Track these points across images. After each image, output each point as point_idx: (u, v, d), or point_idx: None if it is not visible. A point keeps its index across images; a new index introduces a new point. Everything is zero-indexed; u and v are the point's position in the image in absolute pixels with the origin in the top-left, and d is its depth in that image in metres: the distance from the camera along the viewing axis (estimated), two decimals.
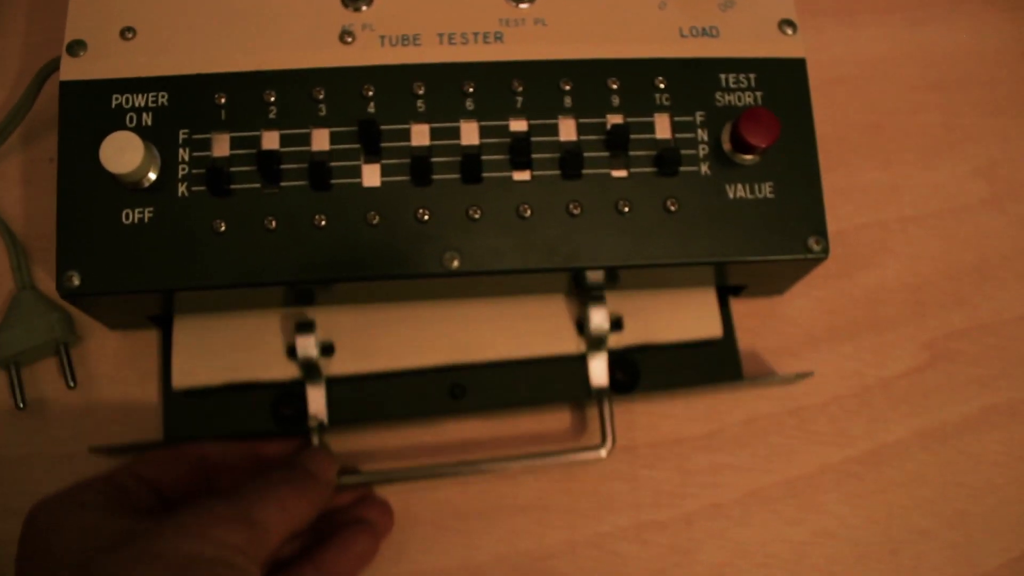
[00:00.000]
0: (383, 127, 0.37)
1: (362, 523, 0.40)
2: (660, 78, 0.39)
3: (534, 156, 0.38)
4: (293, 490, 0.36)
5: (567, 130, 0.38)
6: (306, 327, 0.40)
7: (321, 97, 0.38)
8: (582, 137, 0.38)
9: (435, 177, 0.37)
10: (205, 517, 0.32)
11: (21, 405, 0.42)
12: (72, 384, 0.42)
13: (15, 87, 0.46)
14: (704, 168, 0.38)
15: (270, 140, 0.37)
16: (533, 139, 0.38)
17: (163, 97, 0.38)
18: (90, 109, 0.37)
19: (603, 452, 0.41)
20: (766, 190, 0.38)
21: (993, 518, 0.43)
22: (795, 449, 0.43)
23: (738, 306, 0.44)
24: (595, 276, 0.39)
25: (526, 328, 0.42)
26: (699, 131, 0.39)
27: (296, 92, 0.38)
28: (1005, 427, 0.45)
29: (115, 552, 0.30)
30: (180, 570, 0.30)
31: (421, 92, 0.38)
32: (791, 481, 0.43)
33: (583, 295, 0.41)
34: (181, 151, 0.37)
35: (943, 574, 0.42)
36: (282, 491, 0.35)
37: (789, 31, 0.40)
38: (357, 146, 0.37)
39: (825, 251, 0.38)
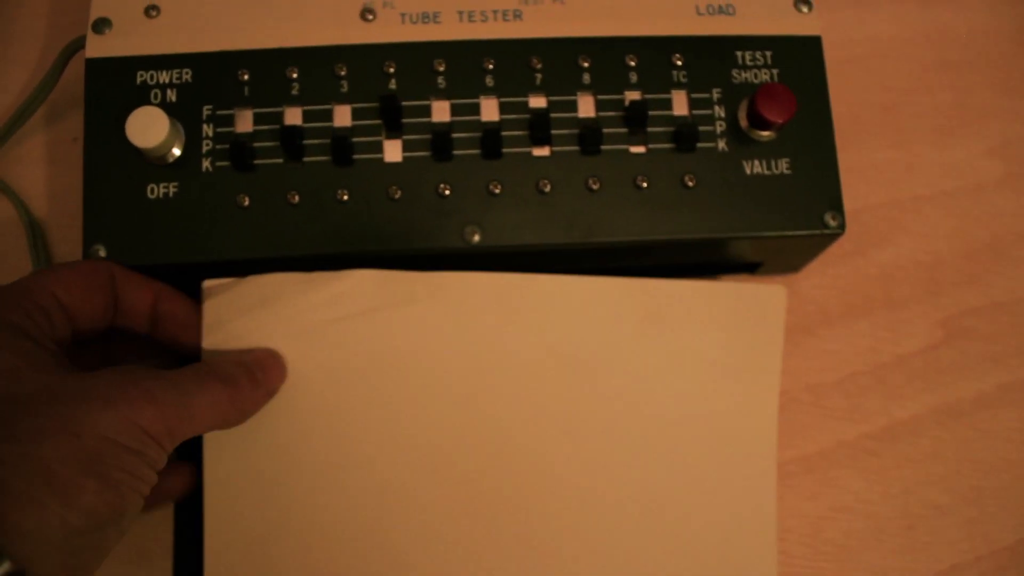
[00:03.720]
0: (404, 103, 0.38)
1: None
2: (677, 55, 0.39)
3: (553, 132, 0.38)
4: (233, 394, 0.34)
5: (586, 106, 0.39)
6: None
7: (343, 74, 0.38)
8: (600, 113, 0.39)
9: (456, 152, 0.38)
10: (135, 397, 0.30)
11: None
12: None
13: (37, 68, 0.47)
14: (721, 144, 0.39)
15: (293, 116, 0.38)
16: (552, 115, 0.38)
17: (187, 74, 0.38)
18: (115, 86, 0.38)
19: None
20: (783, 166, 0.39)
21: (1008, 494, 0.44)
22: (811, 425, 0.44)
23: (754, 282, 0.45)
24: None
25: None
26: (716, 108, 0.39)
27: (318, 69, 0.38)
28: (1020, 404, 0.45)
29: (33, 415, 0.29)
30: (93, 453, 0.29)
31: (441, 69, 0.38)
32: (807, 457, 0.43)
33: None
34: (205, 127, 0.38)
35: (959, 549, 0.43)
36: (223, 392, 0.33)
37: (805, 9, 0.41)
38: (378, 122, 0.38)
39: (842, 226, 0.38)
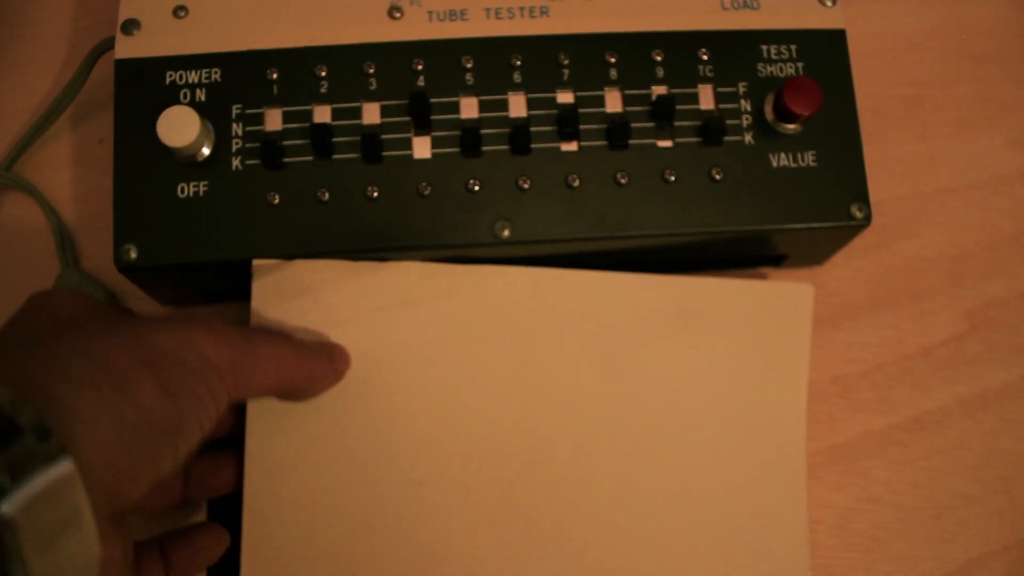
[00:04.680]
0: (433, 100, 0.38)
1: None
2: (703, 50, 0.39)
3: (581, 127, 0.38)
4: (299, 353, 0.35)
5: (613, 102, 0.39)
6: None
7: (371, 72, 0.38)
8: (628, 108, 0.39)
9: (485, 148, 0.38)
10: (196, 326, 0.31)
11: None
12: None
13: (61, 71, 0.47)
14: (748, 137, 0.39)
15: (322, 114, 0.38)
16: (580, 111, 0.38)
17: (216, 73, 0.38)
18: (144, 86, 0.38)
19: None
20: (809, 159, 0.39)
21: None
22: (837, 416, 0.44)
23: (779, 276, 0.45)
24: None
25: None
26: (742, 101, 0.39)
27: (346, 67, 0.38)
28: None
29: (99, 321, 0.31)
30: (154, 356, 0.29)
31: (469, 66, 0.38)
32: (835, 448, 0.43)
33: None
34: (235, 126, 0.38)
35: (987, 539, 0.43)
36: (290, 348, 0.34)
37: (829, 3, 0.41)
38: (407, 119, 0.38)
39: (868, 218, 0.38)
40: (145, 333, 0.30)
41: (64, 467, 0.25)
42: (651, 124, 0.39)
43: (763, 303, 0.39)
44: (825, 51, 0.40)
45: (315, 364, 0.36)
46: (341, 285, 0.37)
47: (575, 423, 0.38)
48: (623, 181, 0.38)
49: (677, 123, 0.39)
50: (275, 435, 0.37)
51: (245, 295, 0.37)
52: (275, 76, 0.38)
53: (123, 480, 0.27)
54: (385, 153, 0.38)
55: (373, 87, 0.38)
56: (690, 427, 0.38)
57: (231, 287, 0.39)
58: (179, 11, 0.39)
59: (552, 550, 0.38)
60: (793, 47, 0.40)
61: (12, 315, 0.33)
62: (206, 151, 0.37)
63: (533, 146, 0.38)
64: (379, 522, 0.37)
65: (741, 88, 0.39)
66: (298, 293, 0.37)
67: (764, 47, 0.40)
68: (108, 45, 0.41)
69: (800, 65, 0.40)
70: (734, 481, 0.38)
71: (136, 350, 0.29)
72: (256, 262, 0.37)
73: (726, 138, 0.39)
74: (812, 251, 0.43)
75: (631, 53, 0.39)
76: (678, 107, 0.39)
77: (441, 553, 0.38)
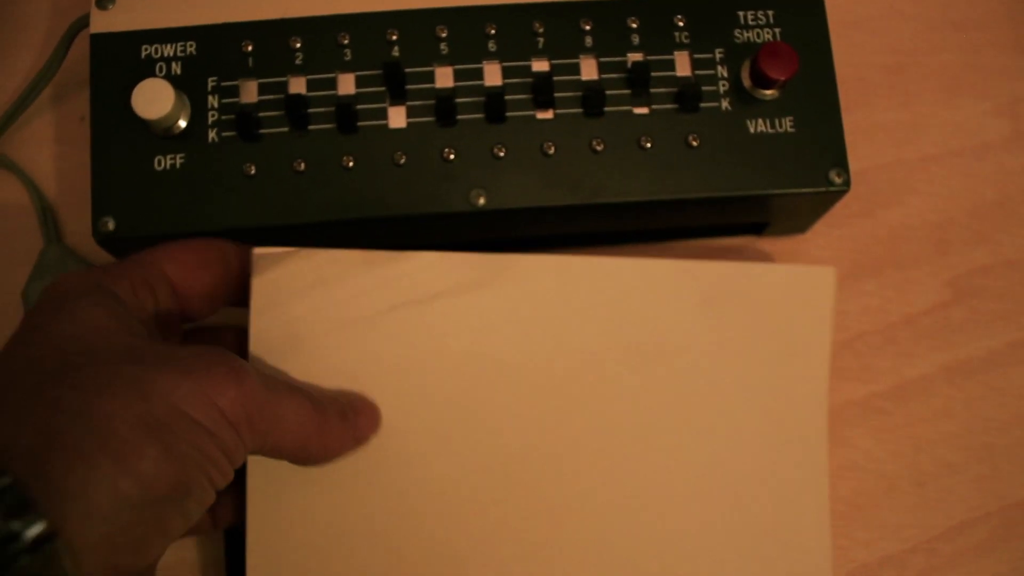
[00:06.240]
0: (407, 70, 0.38)
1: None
2: (679, 16, 0.39)
3: (557, 95, 0.38)
4: (321, 422, 0.32)
5: (588, 69, 0.39)
6: None
7: (346, 42, 0.38)
8: (603, 76, 0.39)
9: (460, 117, 0.38)
10: (220, 374, 0.28)
11: None
12: None
13: (42, 50, 0.47)
14: (725, 104, 0.39)
15: (297, 85, 0.38)
16: (555, 78, 0.38)
17: (191, 46, 0.38)
18: (120, 60, 0.38)
19: None
20: (787, 124, 0.39)
21: (1019, 451, 0.44)
22: None
23: (762, 245, 0.45)
24: None
25: None
26: (719, 68, 0.39)
27: (321, 38, 0.38)
28: None
29: (104, 368, 0.27)
30: (160, 420, 0.26)
31: (444, 35, 0.38)
32: None
33: None
34: (210, 98, 0.38)
35: (969, 506, 0.43)
36: (311, 412, 0.31)
37: None
38: (382, 89, 0.38)
39: (847, 184, 0.38)
40: (155, 388, 0.27)
41: (45, 548, 0.23)
42: (627, 91, 0.38)
43: (785, 287, 0.38)
44: (802, 16, 0.40)
45: (335, 428, 0.33)
46: (353, 280, 0.35)
47: (602, 417, 0.37)
48: (599, 148, 0.38)
49: (653, 90, 0.38)
50: (280, 488, 0.35)
51: None
52: (250, 48, 0.38)
53: (123, 553, 0.26)
54: (360, 123, 0.38)
55: (348, 58, 0.38)
56: (713, 415, 0.37)
57: None
58: None
59: (580, 548, 0.36)
60: (770, 12, 0.40)
61: (21, 324, 0.30)
62: (182, 124, 0.37)
63: (508, 114, 0.38)
64: (395, 532, 0.36)
65: (718, 54, 0.39)
66: (305, 289, 0.35)
67: (741, 13, 0.40)
68: (85, 22, 0.40)
69: (777, 31, 0.40)
70: (756, 470, 0.37)
71: (141, 411, 0.26)
72: (257, 251, 0.35)
73: (703, 104, 0.38)
74: (793, 218, 0.43)
75: (606, 20, 0.39)
76: (654, 74, 0.38)
77: (458, 556, 0.36)
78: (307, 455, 0.33)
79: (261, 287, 0.35)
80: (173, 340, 0.34)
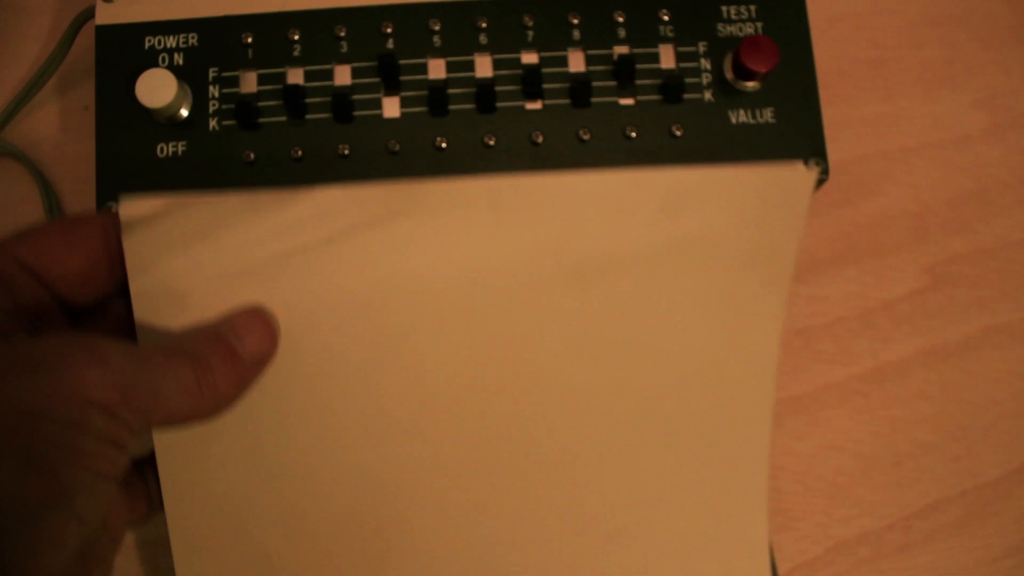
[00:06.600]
0: (401, 62, 0.39)
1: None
2: (664, 11, 0.41)
3: (545, 86, 0.39)
4: (201, 376, 0.29)
5: (576, 61, 0.40)
6: None
7: (342, 35, 0.40)
8: (590, 68, 0.40)
9: (451, 107, 0.39)
10: (79, 359, 0.25)
11: None
12: None
13: (48, 39, 0.48)
14: (708, 95, 0.40)
15: (295, 76, 0.39)
16: (544, 70, 0.40)
17: (193, 38, 0.40)
18: (124, 51, 0.40)
19: None
20: (767, 115, 0.40)
21: (993, 432, 0.45)
22: (801, 368, 0.45)
23: None
24: None
25: None
26: (702, 60, 0.40)
27: (318, 30, 0.40)
28: (1005, 346, 0.46)
29: None
30: (12, 429, 0.24)
31: (437, 28, 0.40)
32: (797, 398, 0.45)
33: None
34: (211, 88, 0.39)
35: (945, 484, 0.44)
36: (190, 373, 0.28)
37: None
38: (377, 80, 0.39)
39: (825, 172, 0.40)
40: (1, 393, 0.24)
41: None
42: (613, 83, 0.40)
43: (758, 190, 0.35)
44: (784, 11, 0.41)
45: (220, 376, 0.30)
46: (240, 228, 0.31)
47: (548, 341, 0.35)
48: (586, 137, 0.39)
49: (638, 82, 0.40)
50: (192, 448, 0.33)
51: None
52: (250, 40, 0.40)
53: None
54: (356, 113, 0.39)
55: (344, 50, 0.40)
56: (669, 325, 0.35)
57: None
58: None
59: (528, 478, 0.36)
60: (752, 7, 0.41)
61: None
62: (184, 113, 0.39)
63: (498, 105, 0.39)
64: (332, 497, 0.34)
65: (701, 47, 0.41)
66: (185, 241, 0.31)
67: (724, 8, 0.41)
68: (91, 14, 0.42)
69: (759, 25, 0.41)
70: (706, 379, 0.36)
71: None
72: (123, 203, 0.32)
73: (686, 96, 0.40)
74: None
75: (593, 14, 0.40)
76: (639, 66, 0.40)
77: (407, 502, 0.35)
78: (203, 412, 0.30)
79: (134, 245, 0.32)
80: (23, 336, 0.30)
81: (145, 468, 0.35)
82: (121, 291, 0.33)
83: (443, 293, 0.34)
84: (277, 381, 0.33)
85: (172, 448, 0.33)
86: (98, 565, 0.29)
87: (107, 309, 0.34)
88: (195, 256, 0.32)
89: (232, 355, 0.30)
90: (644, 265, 0.35)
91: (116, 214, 0.32)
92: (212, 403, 0.30)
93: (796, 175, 0.36)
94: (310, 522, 0.34)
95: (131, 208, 0.32)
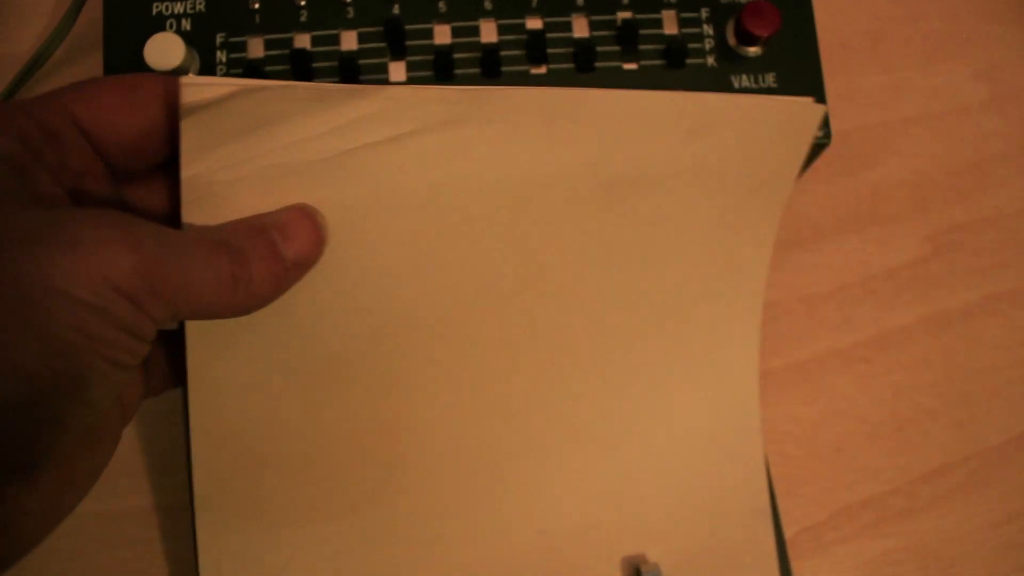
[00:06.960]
0: (407, 27, 0.40)
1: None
2: None
3: (549, 51, 0.40)
4: (238, 270, 0.27)
5: (580, 27, 0.40)
6: None
7: (349, 0, 0.40)
8: (594, 33, 0.40)
9: (457, 72, 0.39)
10: (111, 241, 0.24)
11: None
12: None
13: (54, 13, 0.49)
14: (710, 60, 0.40)
15: (301, 41, 0.40)
16: (548, 35, 0.40)
17: (200, 3, 0.40)
18: (132, 16, 0.40)
19: None
20: (769, 80, 0.40)
21: (995, 398, 0.45)
22: (805, 335, 0.45)
23: None
24: None
25: None
26: (704, 26, 0.41)
27: None
28: (1006, 314, 0.47)
29: None
30: (35, 306, 0.23)
31: None
32: (802, 364, 0.45)
33: None
34: (219, 53, 0.40)
35: (947, 450, 0.45)
36: (227, 266, 0.27)
37: None
38: (383, 45, 0.40)
39: (827, 136, 0.40)
40: (29, 267, 0.23)
41: None
42: (616, 48, 0.40)
43: (773, 117, 0.36)
44: None
45: (259, 272, 0.28)
46: (302, 119, 0.30)
47: (568, 251, 0.36)
48: None
49: (641, 47, 0.40)
50: (223, 339, 0.32)
51: None
52: (257, 6, 0.40)
53: (12, 455, 0.23)
54: (362, 77, 0.39)
55: (350, 15, 0.40)
56: (670, 247, 0.37)
57: None
58: None
59: (536, 375, 0.37)
60: None
61: None
62: None
63: (503, 69, 0.40)
64: (351, 402, 0.34)
65: (704, 13, 0.41)
66: (247, 129, 0.30)
67: None
68: None
69: None
70: (697, 294, 0.38)
71: (13, 303, 0.23)
72: (185, 80, 0.29)
73: (689, 61, 0.40)
74: None
75: None
76: (642, 32, 0.40)
77: (423, 408, 0.35)
78: (234, 310, 0.28)
79: (192, 128, 0.30)
80: (90, 201, 0.29)
81: (169, 342, 0.32)
82: (169, 161, 0.31)
83: (488, 200, 0.34)
84: (316, 280, 0.32)
85: (203, 334, 0.32)
86: (104, 443, 0.28)
87: (153, 179, 0.32)
88: (253, 145, 0.30)
89: (274, 254, 0.29)
90: (666, 184, 0.36)
91: (177, 80, 0.30)
92: (245, 301, 0.28)
93: (807, 108, 0.37)
94: (329, 422, 0.34)
95: (192, 90, 0.29)
